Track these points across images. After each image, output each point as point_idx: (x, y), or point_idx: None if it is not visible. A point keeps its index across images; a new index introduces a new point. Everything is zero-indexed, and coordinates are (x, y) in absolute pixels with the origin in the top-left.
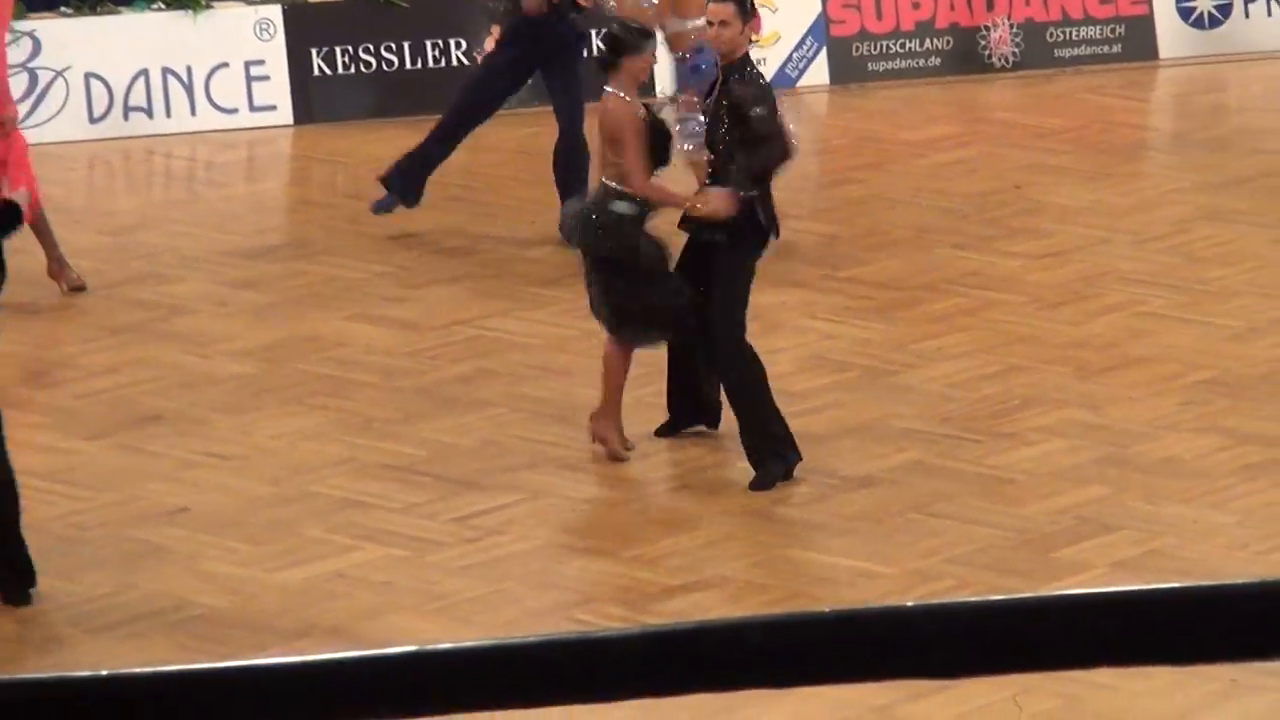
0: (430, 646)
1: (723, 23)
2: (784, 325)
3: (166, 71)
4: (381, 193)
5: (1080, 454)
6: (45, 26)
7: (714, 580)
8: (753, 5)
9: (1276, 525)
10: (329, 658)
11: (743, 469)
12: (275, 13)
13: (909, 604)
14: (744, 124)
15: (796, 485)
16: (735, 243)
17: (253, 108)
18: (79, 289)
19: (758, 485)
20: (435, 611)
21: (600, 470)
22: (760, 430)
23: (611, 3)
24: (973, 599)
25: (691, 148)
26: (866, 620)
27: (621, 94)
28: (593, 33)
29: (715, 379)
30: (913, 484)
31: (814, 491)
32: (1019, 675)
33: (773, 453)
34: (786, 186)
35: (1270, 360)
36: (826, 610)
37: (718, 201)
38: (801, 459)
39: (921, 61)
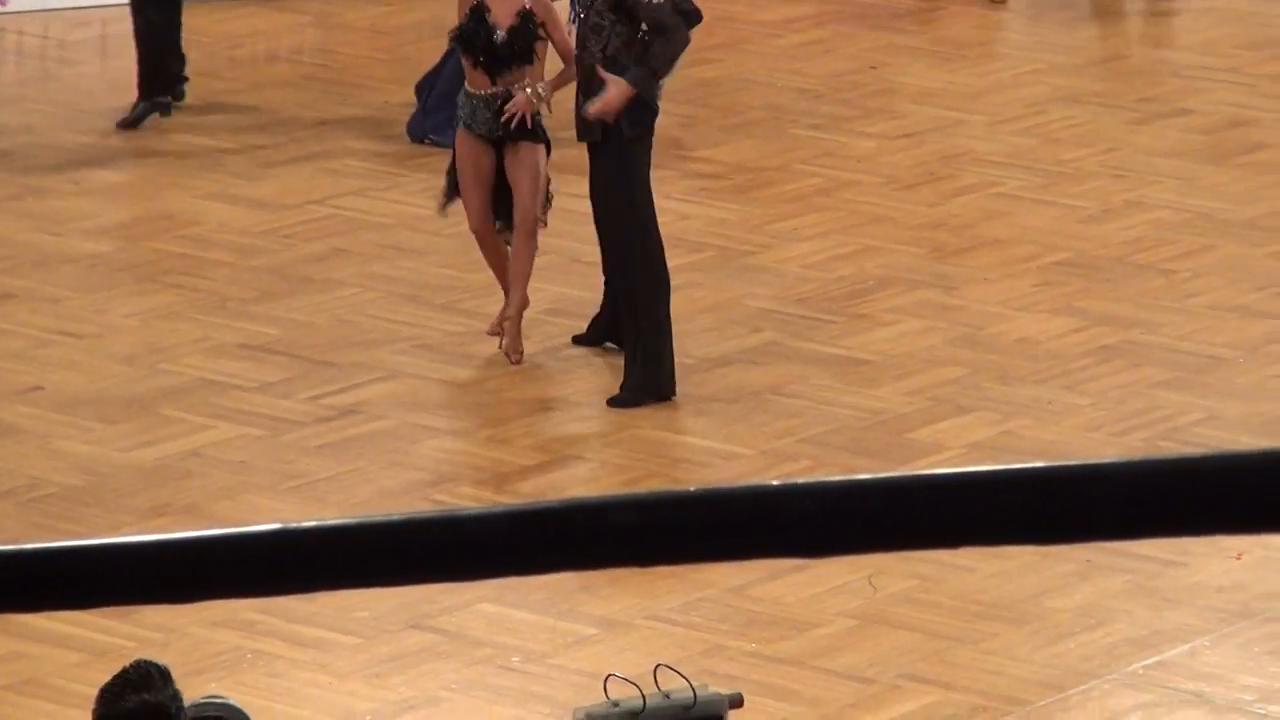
0: (288, 525)
1: None
2: None
3: None
4: None
5: (935, 335)
6: None
7: (570, 460)
8: None
9: (1130, 407)
10: (184, 535)
11: (600, 352)
12: None
13: (774, 483)
14: (632, 16)
15: None
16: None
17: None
18: None
19: (617, 402)
20: (290, 491)
21: (455, 350)
22: (652, 347)
23: None
24: (835, 478)
25: None
26: (731, 499)
27: None
28: None
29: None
30: (768, 365)
31: None
32: (874, 556)
33: (647, 382)
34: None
35: (1124, 242)
36: (692, 489)
37: (612, 97)
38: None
39: None
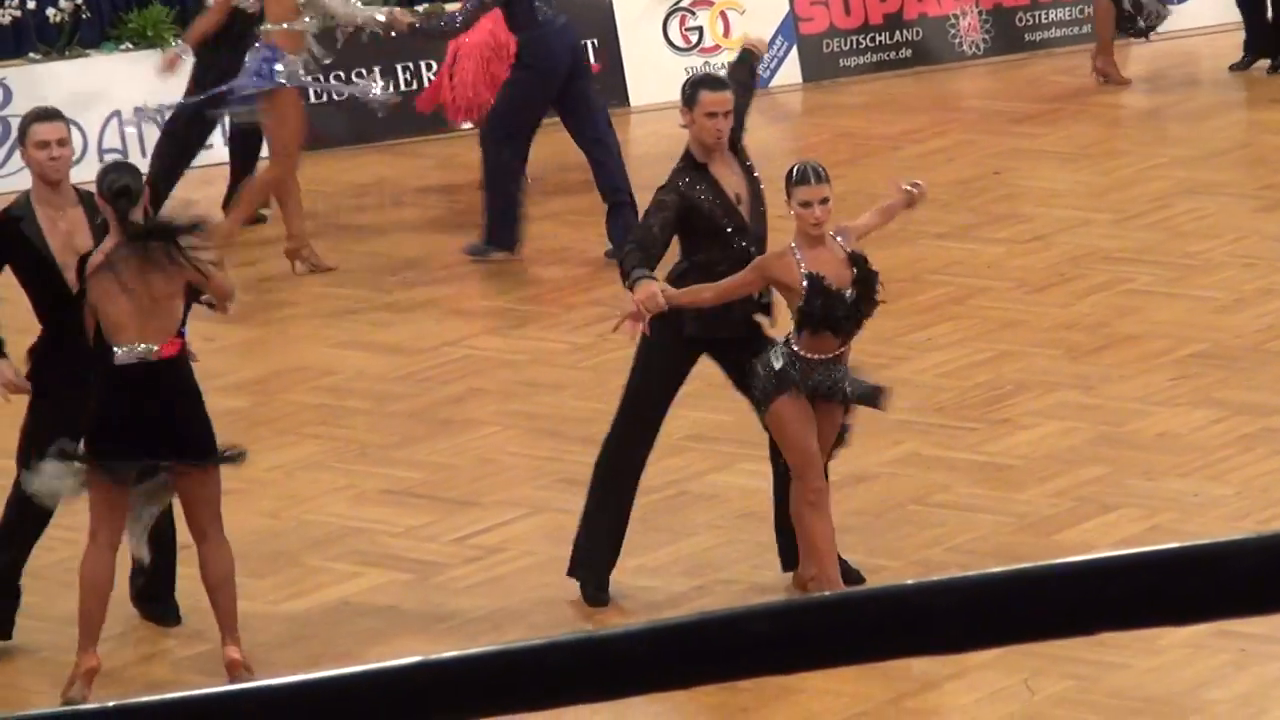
0: (436, 656)
1: (726, 113)
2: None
3: (139, 111)
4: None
5: (1076, 435)
6: (15, 73)
7: (718, 585)
8: None
9: (1275, 494)
10: (334, 674)
11: (741, 470)
12: None
13: (907, 582)
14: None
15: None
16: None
17: (228, 141)
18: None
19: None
20: (443, 633)
21: None
22: None
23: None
24: (969, 573)
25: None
26: (866, 601)
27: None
28: None
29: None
30: (911, 476)
31: None
32: (1029, 659)
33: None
34: (765, 186)
35: (1258, 330)
36: (827, 594)
37: None
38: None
39: (892, 54)
